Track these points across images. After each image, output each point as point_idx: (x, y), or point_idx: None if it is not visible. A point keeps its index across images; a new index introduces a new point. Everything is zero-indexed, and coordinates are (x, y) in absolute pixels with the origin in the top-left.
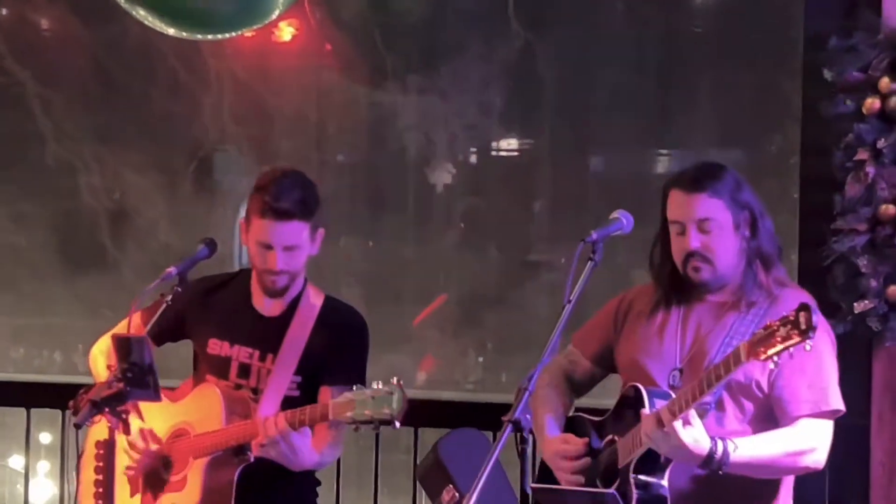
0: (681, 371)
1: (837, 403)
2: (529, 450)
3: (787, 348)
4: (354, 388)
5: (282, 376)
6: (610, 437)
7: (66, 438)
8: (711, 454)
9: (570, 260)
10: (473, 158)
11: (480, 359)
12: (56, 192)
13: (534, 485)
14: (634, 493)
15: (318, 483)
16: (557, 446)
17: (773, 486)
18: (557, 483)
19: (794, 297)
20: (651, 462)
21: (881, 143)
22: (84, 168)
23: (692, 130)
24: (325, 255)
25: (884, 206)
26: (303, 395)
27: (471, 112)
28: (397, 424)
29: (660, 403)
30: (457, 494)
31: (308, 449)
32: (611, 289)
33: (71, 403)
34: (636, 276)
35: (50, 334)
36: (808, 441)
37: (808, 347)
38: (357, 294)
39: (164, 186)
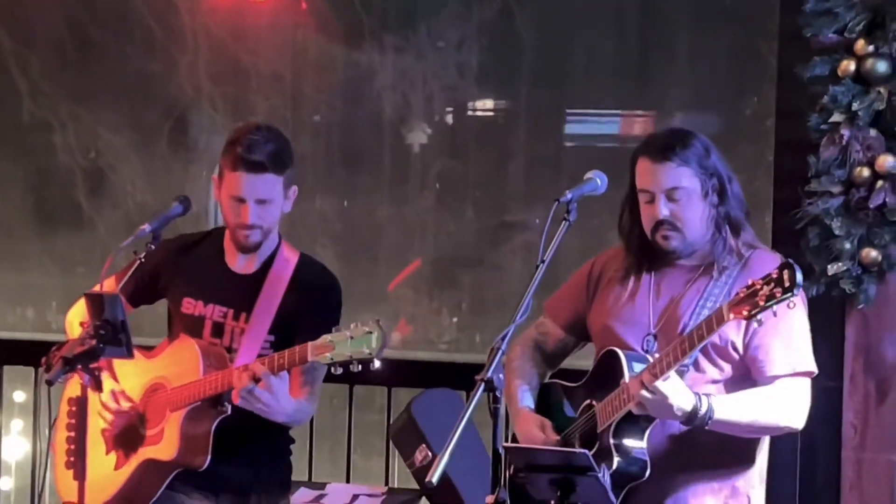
0: (654, 336)
1: (811, 364)
2: (502, 409)
3: (770, 306)
4: (333, 329)
5: (256, 335)
6: (588, 402)
7: (38, 396)
8: (696, 410)
9: (545, 221)
10: (450, 119)
11: (455, 319)
12: (31, 150)
13: (506, 444)
14: (614, 457)
15: (293, 441)
16: (532, 432)
17: (750, 447)
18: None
19: (765, 258)
20: (629, 426)
21: (856, 106)
22: (59, 126)
23: (669, 93)
24: (299, 215)
25: (858, 169)
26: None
27: (448, 72)
28: (377, 363)
29: (638, 367)
30: (430, 454)
31: (286, 396)
32: (585, 251)
33: (43, 360)
34: (610, 238)
35: (23, 292)
36: (789, 399)
37: (791, 305)
38: (332, 254)
39: (139, 145)
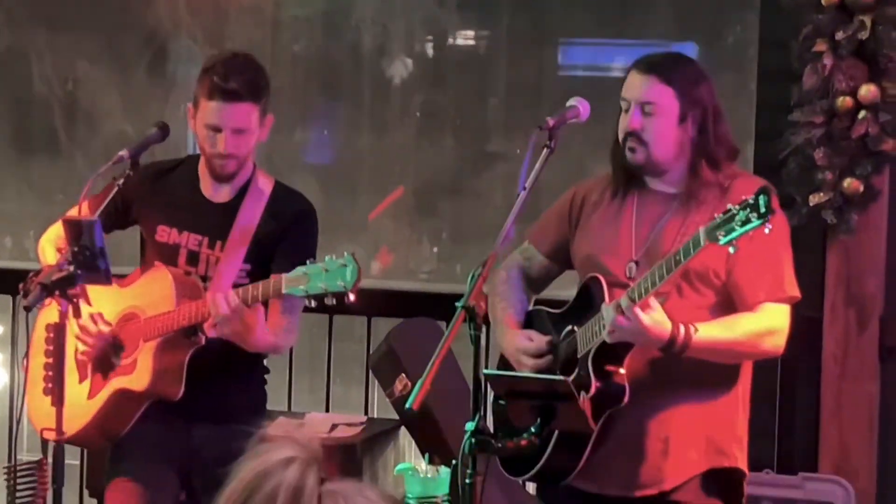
0: (637, 263)
1: (793, 290)
2: (483, 336)
3: (746, 231)
4: (308, 262)
5: (231, 264)
6: (570, 327)
7: (16, 325)
8: (673, 337)
9: (525, 151)
10: (430, 50)
11: (435, 249)
12: (8, 80)
13: (487, 371)
14: (593, 382)
15: (267, 371)
16: (520, 343)
17: (733, 372)
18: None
19: (747, 184)
20: (610, 351)
21: (839, 35)
22: (37, 56)
23: (651, 21)
24: (278, 145)
25: (841, 98)
26: (252, 284)
27: (427, 2)
28: (352, 297)
29: (619, 293)
30: (409, 384)
31: (261, 326)
32: (565, 181)
33: (21, 286)
34: (591, 168)
35: (1, 220)
36: (769, 324)
37: (766, 230)
38: (311, 184)
39: (117, 76)
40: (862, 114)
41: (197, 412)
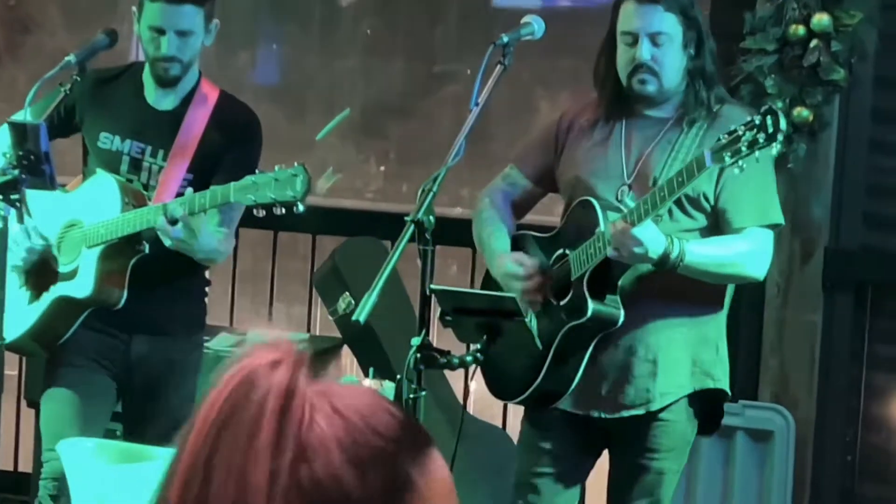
0: (629, 187)
1: (778, 216)
2: (430, 251)
3: (753, 152)
4: (257, 171)
5: (175, 173)
6: (561, 251)
7: None
8: (668, 253)
9: (476, 72)
10: None
11: (382, 168)
12: None
13: (434, 287)
14: (589, 303)
15: (208, 282)
16: (509, 266)
17: (717, 297)
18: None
19: (738, 113)
20: (603, 274)
21: None
22: None
23: None
24: (226, 65)
25: (793, 27)
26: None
27: None
28: (301, 207)
29: (612, 216)
30: (353, 302)
31: (206, 234)
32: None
33: None
34: (539, 92)
35: None
36: (755, 247)
37: (774, 151)
38: (258, 99)
39: None
40: (814, 43)
41: (136, 323)
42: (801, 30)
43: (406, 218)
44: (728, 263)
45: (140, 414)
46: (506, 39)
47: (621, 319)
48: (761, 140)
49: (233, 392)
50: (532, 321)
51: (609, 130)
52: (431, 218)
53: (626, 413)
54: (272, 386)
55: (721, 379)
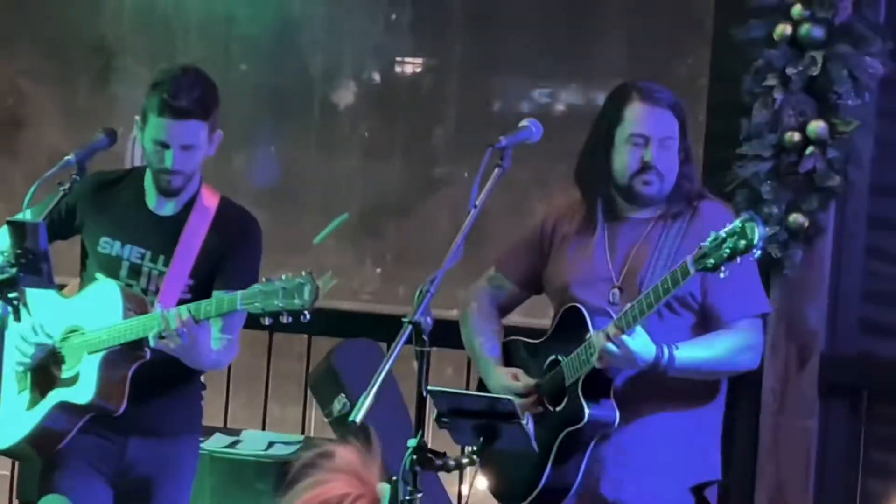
0: (620, 289)
1: (765, 305)
2: (427, 352)
3: (734, 258)
4: (264, 279)
5: (177, 278)
6: (553, 358)
7: None
8: (658, 360)
9: (474, 175)
10: (378, 76)
11: (378, 270)
12: None
13: (431, 388)
14: (585, 409)
15: (204, 386)
16: (507, 382)
17: (713, 391)
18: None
19: (715, 209)
20: (597, 378)
21: (790, 70)
22: None
23: (602, 50)
24: (224, 162)
25: (789, 133)
26: (195, 299)
27: (377, 29)
28: (307, 315)
29: (601, 321)
30: (348, 403)
31: (207, 342)
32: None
33: None
34: (535, 192)
35: None
36: (746, 340)
37: (755, 257)
38: (255, 201)
39: (59, 93)
40: (810, 149)
41: (134, 426)
42: (796, 136)
43: (403, 319)
44: (719, 362)
45: None
46: (504, 142)
47: (617, 421)
48: (741, 247)
49: None
50: (528, 424)
51: (593, 236)
52: (429, 319)
53: None
54: None
55: (718, 468)
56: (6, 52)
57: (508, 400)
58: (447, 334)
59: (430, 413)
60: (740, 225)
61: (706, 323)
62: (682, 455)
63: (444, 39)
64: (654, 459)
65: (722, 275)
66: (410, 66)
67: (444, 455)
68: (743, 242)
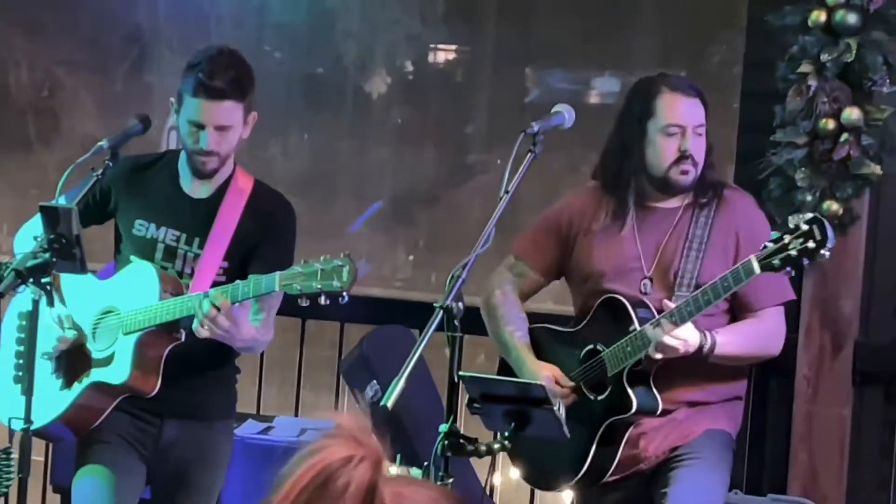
0: (651, 280)
1: (790, 293)
2: (459, 338)
3: (803, 258)
4: (302, 261)
5: (211, 261)
6: (591, 347)
7: None
8: (702, 347)
9: (506, 162)
10: (411, 66)
11: (411, 257)
12: None
13: (462, 373)
14: (633, 400)
15: (238, 370)
16: (548, 384)
17: (741, 374)
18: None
19: (739, 197)
20: (639, 369)
21: (825, 57)
22: (13, 62)
23: (635, 37)
24: (258, 149)
25: (824, 120)
26: (229, 282)
27: (412, 19)
28: (346, 297)
29: (643, 313)
30: (380, 390)
31: (246, 324)
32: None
33: None
34: (567, 179)
35: None
36: (774, 327)
37: (824, 257)
38: (289, 188)
39: (94, 83)
40: (844, 136)
41: (169, 408)
42: (831, 123)
43: (435, 304)
44: (754, 348)
45: (169, 500)
46: (536, 128)
47: (660, 409)
48: (810, 247)
49: (309, 484)
50: (560, 409)
51: (621, 224)
52: (460, 304)
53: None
54: (352, 483)
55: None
56: (42, 43)
57: (540, 385)
58: (479, 321)
59: (462, 399)
60: (807, 226)
61: (734, 310)
62: (717, 405)
63: (478, 28)
64: (689, 414)
65: (793, 273)
66: (444, 54)
67: (475, 440)
68: (812, 244)
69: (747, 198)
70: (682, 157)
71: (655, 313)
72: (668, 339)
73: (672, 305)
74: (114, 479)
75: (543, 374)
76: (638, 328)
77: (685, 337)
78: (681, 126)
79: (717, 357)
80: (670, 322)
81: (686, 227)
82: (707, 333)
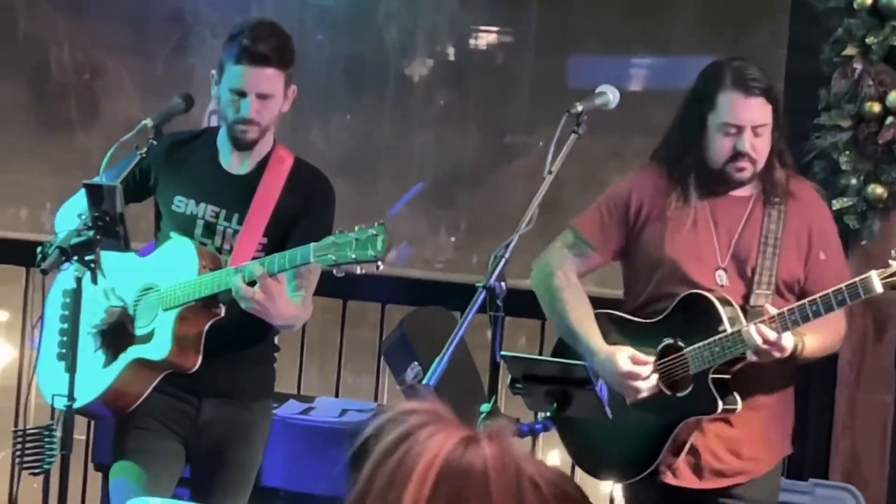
0: (725, 271)
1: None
2: (501, 318)
3: None
4: (336, 231)
5: (251, 236)
6: (671, 342)
7: (30, 295)
8: (795, 348)
9: (548, 145)
10: (453, 49)
11: (452, 239)
12: (26, 64)
13: (504, 353)
14: (719, 402)
15: (277, 349)
16: (626, 367)
17: (793, 372)
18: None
19: (807, 190)
20: (721, 370)
21: (870, 40)
22: (56, 45)
23: (678, 19)
24: (299, 133)
25: (869, 103)
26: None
27: (453, 3)
28: (381, 266)
29: (726, 310)
30: (421, 371)
31: (284, 298)
32: (583, 181)
33: (39, 250)
34: (609, 163)
35: (17, 192)
36: (844, 323)
37: None
38: (330, 169)
39: (135, 67)
40: (889, 120)
41: (207, 387)
42: (876, 106)
43: (477, 284)
44: (832, 346)
45: (208, 478)
46: (580, 108)
47: (739, 410)
48: None
49: (439, 483)
50: (602, 390)
51: (693, 211)
52: (503, 284)
53: (729, 482)
54: (489, 465)
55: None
56: (83, 26)
57: (583, 366)
58: (521, 303)
59: (504, 379)
60: None
61: (802, 295)
62: (779, 431)
63: (520, 12)
64: (752, 433)
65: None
66: (486, 37)
67: (516, 421)
68: None
69: (812, 191)
70: (738, 155)
71: (740, 313)
72: (764, 347)
73: (773, 311)
74: (148, 467)
75: (621, 356)
76: (729, 329)
77: (786, 344)
78: (738, 126)
79: (806, 359)
80: (773, 328)
81: (759, 220)
82: (799, 336)
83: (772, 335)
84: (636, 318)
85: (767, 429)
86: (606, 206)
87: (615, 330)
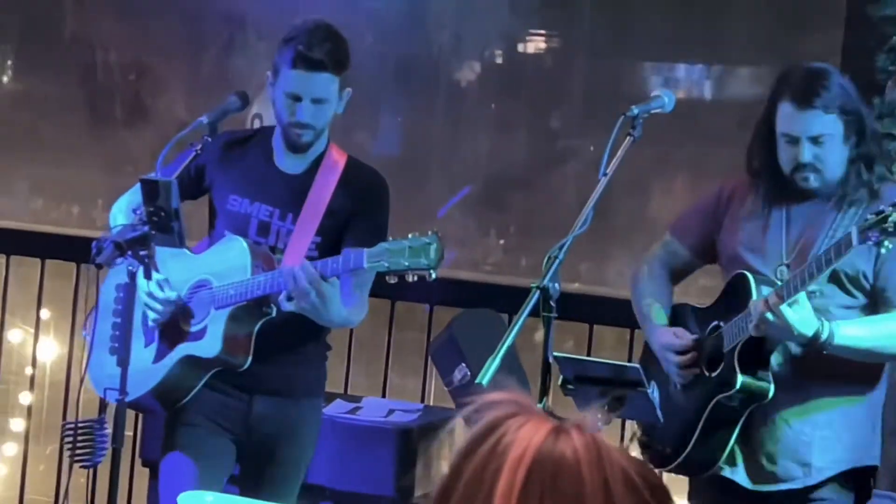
0: (787, 266)
1: None
2: (553, 318)
3: None
4: (390, 238)
5: (304, 236)
6: (715, 323)
7: (82, 290)
8: (818, 335)
9: (599, 149)
10: (502, 57)
11: (502, 241)
12: (74, 65)
13: (556, 354)
14: (739, 376)
15: (329, 347)
16: (667, 339)
17: (875, 373)
18: (656, 370)
19: (894, 191)
20: (756, 348)
21: None
22: (101, 46)
23: (732, 27)
24: (349, 134)
25: None
26: (321, 257)
27: (503, 9)
28: (433, 275)
29: (766, 290)
30: (468, 373)
31: (337, 301)
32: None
33: (94, 244)
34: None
35: (69, 188)
36: None
37: None
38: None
39: (183, 68)
40: None
41: (258, 384)
42: None
43: (532, 285)
44: (881, 344)
45: (258, 475)
46: (636, 111)
47: (771, 393)
48: None
49: (532, 477)
50: (654, 392)
51: (770, 211)
52: (557, 285)
53: (783, 486)
54: (580, 455)
55: (875, 454)
56: (132, 27)
57: (635, 368)
58: (569, 306)
59: (555, 379)
60: None
61: (877, 308)
62: (844, 440)
63: (573, 17)
64: (812, 440)
65: (884, 250)
66: (538, 42)
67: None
68: None
69: None
70: (801, 165)
71: None
72: (766, 314)
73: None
74: (197, 464)
75: (666, 334)
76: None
77: (786, 316)
78: (793, 137)
79: (836, 348)
80: (776, 296)
81: (833, 217)
82: (826, 323)
83: (771, 300)
84: (699, 305)
85: (831, 437)
86: (696, 204)
87: (685, 318)
